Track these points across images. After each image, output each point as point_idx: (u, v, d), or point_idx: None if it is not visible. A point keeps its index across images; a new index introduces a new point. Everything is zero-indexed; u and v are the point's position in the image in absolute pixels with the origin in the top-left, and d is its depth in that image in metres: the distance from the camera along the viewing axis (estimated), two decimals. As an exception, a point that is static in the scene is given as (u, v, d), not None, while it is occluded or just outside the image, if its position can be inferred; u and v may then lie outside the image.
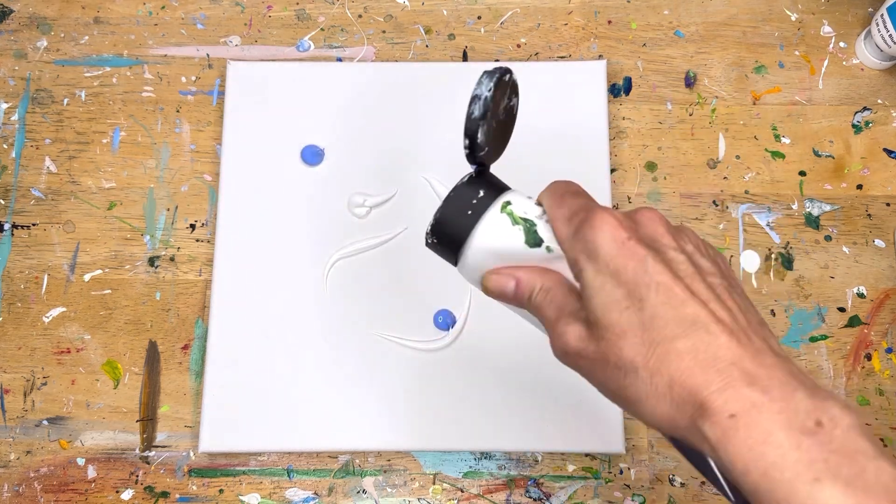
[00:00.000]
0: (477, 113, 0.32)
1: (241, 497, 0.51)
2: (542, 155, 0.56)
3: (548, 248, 0.33)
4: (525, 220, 0.33)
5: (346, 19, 0.61)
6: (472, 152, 0.33)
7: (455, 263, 0.35)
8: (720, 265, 0.32)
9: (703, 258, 0.31)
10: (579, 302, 0.32)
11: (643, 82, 0.59)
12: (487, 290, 0.35)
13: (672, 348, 0.28)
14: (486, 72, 0.33)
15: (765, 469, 0.26)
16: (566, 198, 0.33)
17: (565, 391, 0.52)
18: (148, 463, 0.52)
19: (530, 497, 0.51)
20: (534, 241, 0.33)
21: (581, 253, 0.31)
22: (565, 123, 0.56)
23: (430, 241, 0.35)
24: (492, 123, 0.33)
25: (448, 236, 0.34)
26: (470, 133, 0.32)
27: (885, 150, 0.58)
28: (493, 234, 0.33)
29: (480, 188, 0.34)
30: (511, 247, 0.33)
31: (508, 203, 0.33)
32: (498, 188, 0.34)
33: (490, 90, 0.32)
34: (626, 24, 0.61)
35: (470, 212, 0.33)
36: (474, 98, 0.32)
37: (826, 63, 0.60)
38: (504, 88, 0.34)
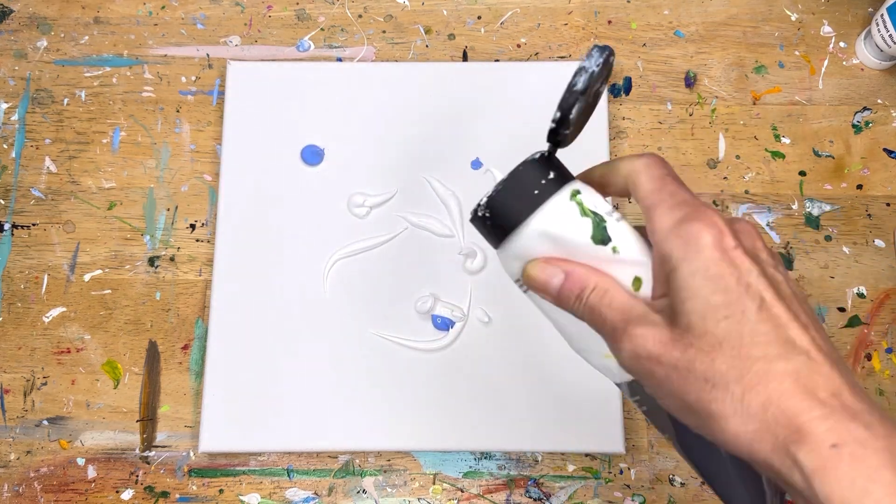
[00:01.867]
0: (580, 86, 0.29)
1: (241, 497, 0.51)
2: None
3: (614, 249, 0.30)
4: (595, 213, 0.31)
5: (346, 19, 0.61)
6: (559, 127, 0.30)
7: (498, 244, 0.32)
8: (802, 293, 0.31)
9: (791, 283, 0.30)
10: (646, 306, 0.30)
11: (643, 82, 0.59)
12: (529, 279, 0.32)
13: (772, 368, 0.27)
14: (596, 46, 0.30)
15: None
16: (667, 183, 0.31)
17: (565, 391, 0.52)
18: (148, 463, 0.52)
19: (530, 497, 0.51)
20: (601, 237, 0.30)
21: (679, 249, 0.29)
22: (565, 123, 0.56)
23: (480, 214, 0.32)
24: (585, 102, 0.31)
25: (504, 212, 0.31)
26: (566, 106, 0.30)
27: (885, 150, 0.58)
28: (556, 221, 0.31)
29: (550, 170, 0.31)
30: (572, 238, 0.31)
31: (578, 192, 0.31)
32: (566, 175, 0.32)
33: (598, 65, 0.30)
34: (626, 24, 0.61)
35: (536, 191, 0.31)
36: (580, 70, 0.29)
37: (826, 63, 0.60)
38: (607, 70, 0.31)
